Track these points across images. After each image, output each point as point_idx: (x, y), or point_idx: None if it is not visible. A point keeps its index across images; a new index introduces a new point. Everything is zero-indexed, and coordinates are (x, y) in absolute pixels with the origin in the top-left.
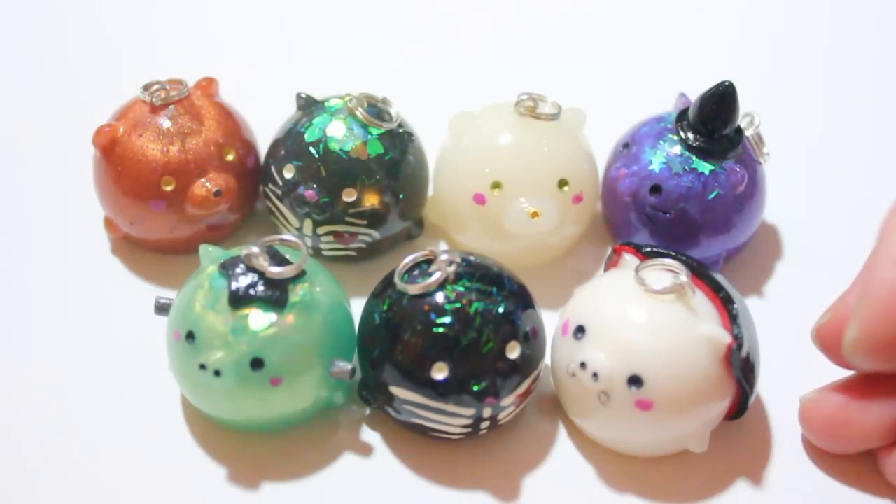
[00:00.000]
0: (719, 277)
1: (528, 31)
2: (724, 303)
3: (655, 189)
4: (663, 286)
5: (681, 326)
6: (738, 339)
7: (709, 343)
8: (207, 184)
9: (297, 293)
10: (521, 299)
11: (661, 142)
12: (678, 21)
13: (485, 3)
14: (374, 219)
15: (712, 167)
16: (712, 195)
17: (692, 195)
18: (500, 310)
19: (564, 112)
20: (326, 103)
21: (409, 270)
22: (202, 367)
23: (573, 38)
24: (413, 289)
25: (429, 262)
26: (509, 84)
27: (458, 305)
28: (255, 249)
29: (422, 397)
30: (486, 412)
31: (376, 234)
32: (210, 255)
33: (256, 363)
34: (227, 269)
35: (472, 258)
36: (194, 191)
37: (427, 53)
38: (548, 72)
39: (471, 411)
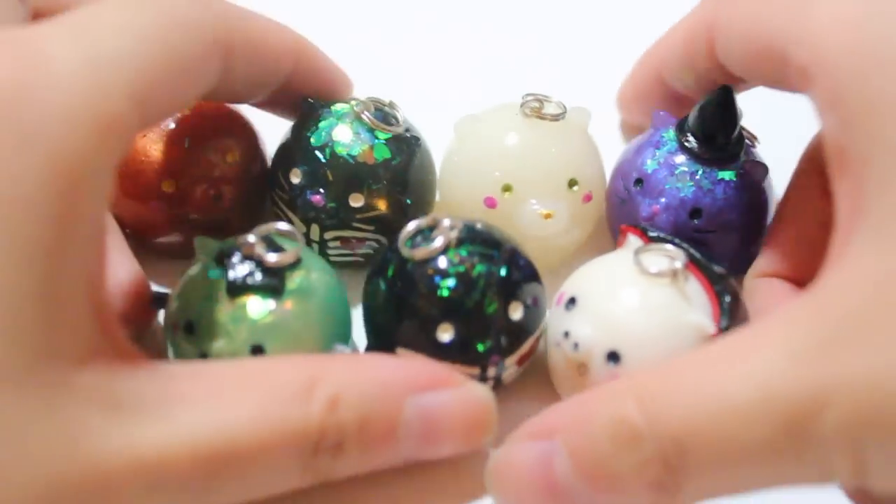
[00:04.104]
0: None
1: (529, 31)
2: (718, 295)
3: (696, 213)
4: (658, 269)
5: (668, 311)
6: (723, 333)
7: (693, 331)
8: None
9: (294, 280)
10: (527, 270)
11: (676, 172)
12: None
13: (488, 6)
14: (382, 224)
15: (735, 171)
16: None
17: (730, 204)
18: (502, 272)
19: (570, 111)
20: (332, 107)
21: (412, 237)
22: (203, 356)
23: (573, 37)
24: (417, 254)
25: (431, 228)
26: (513, 85)
27: (461, 269)
28: (251, 238)
29: (428, 358)
30: (491, 371)
31: (384, 240)
32: (205, 246)
33: (256, 350)
34: (223, 258)
35: (475, 225)
36: (195, 194)
37: (431, 56)
38: (549, 72)
39: (475, 371)
